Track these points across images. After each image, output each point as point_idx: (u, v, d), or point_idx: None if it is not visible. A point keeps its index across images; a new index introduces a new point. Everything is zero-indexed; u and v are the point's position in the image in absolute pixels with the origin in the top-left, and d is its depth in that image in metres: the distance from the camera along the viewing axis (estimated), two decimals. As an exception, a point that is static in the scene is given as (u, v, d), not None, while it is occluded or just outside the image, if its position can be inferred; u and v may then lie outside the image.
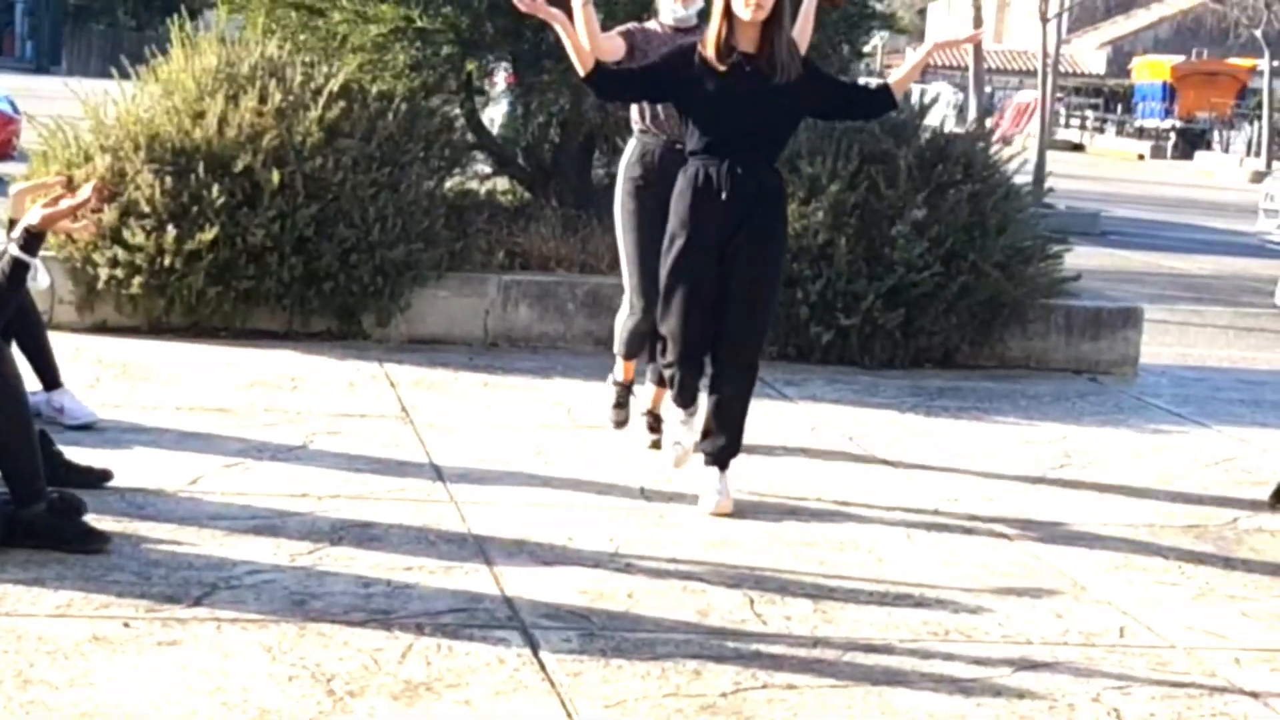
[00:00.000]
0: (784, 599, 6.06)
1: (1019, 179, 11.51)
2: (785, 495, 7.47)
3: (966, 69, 59.50)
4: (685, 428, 7.29)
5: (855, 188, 10.46)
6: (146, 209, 9.74)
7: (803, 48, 7.17)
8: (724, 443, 7.14)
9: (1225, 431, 9.43)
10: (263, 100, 9.96)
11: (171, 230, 9.66)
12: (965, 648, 5.69)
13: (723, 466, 7.13)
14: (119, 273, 9.77)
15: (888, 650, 5.61)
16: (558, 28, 6.90)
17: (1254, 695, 5.42)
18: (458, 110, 11.15)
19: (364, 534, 6.46)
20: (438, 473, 7.45)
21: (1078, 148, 54.61)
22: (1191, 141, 52.17)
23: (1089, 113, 58.30)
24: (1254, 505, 7.85)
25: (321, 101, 9.98)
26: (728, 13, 6.87)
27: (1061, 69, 66.85)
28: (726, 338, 7.09)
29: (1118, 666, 5.60)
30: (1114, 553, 6.93)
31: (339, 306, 10.10)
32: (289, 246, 9.87)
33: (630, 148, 7.93)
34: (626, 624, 5.70)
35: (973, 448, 8.64)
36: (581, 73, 6.96)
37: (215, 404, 8.41)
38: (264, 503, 6.77)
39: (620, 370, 8.19)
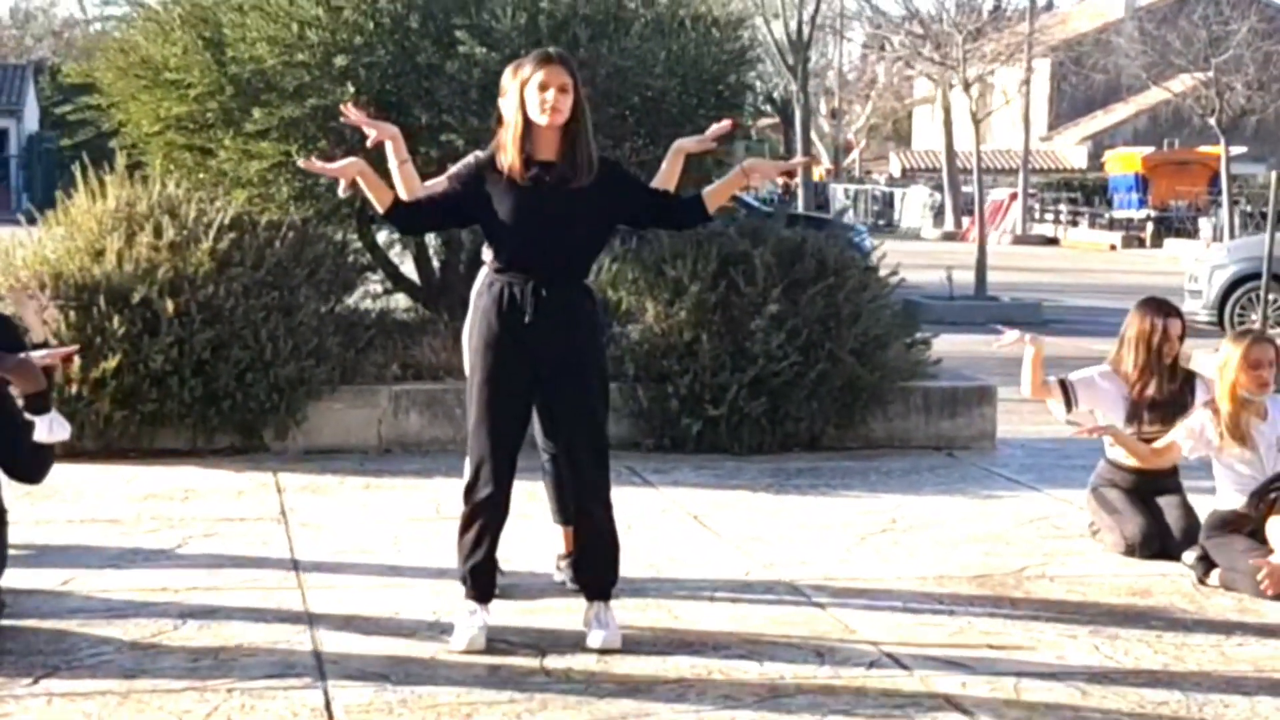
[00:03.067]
0: (576, 655, 6.77)
1: (963, 274, 12.22)
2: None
3: (942, 170, 60.73)
4: (474, 619, 6.89)
5: (716, 287, 11.26)
6: (54, 342, 10.51)
7: (670, 188, 7.21)
8: (602, 575, 6.99)
9: (1053, 494, 10.15)
10: (158, 235, 10.79)
11: (77, 360, 10.45)
12: (721, 686, 6.40)
13: (605, 598, 6.96)
14: (30, 402, 10.54)
15: (649, 690, 6.32)
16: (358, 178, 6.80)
17: (963, 712, 6.14)
18: (353, 235, 11.95)
19: (208, 619, 7.18)
20: (295, 565, 8.18)
21: (1052, 241, 55.51)
22: (1166, 230, 52.97)
23: (1063, 207, 59.17)
24: (1047, 556, 8.58)
25: (212, 234, 10.81)
26: (525, 120, 6.65)
27: (1043, 165, 68.15)
28: (570, 474, 6.97)
29: (853, 693, 6.31)
30: (895, 601, 7.63)
31: (239, 423, 10.88)
32: (188, 370, 10.66)
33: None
34: (422, 679, 6.42)
35: (810, 519, 9.37)
36: (380, 210, 6.83)
37: (107, 516, 9.17)
38: (124, 597, 7.49)
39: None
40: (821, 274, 11.51)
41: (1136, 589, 7.96)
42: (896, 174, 74.17)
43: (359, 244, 12.10)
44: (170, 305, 10.57)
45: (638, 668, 6.62)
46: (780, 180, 53.38)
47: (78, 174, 11.25)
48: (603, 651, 6.77)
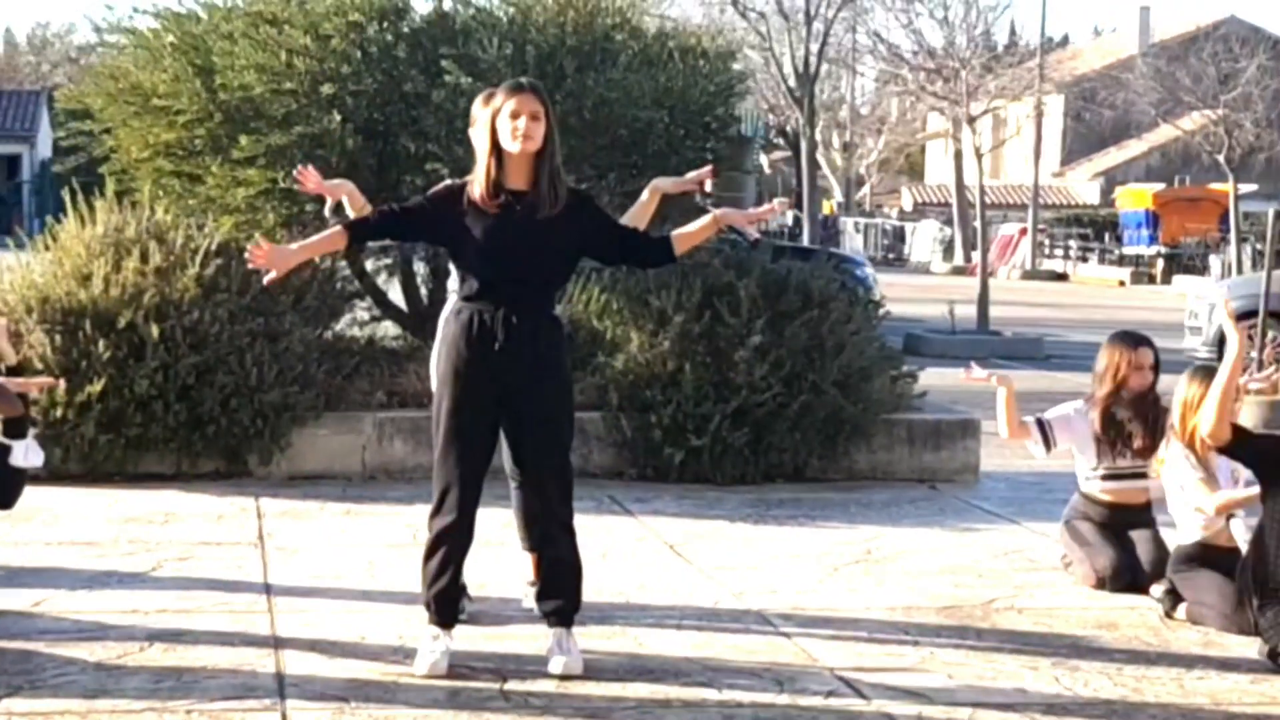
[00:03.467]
0: (536, 680, 6.81)
1: (966, 308, 12.24)
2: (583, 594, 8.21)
3: (952, 204, 60.79)
4: (437, 644, 6.91)
5: (700, 318, 11.31)
6: (40, 366, 10.60)
7: (641, 225, 7.37)
8: (564, 602, 6.99)
9: (1031, 527, 10.18)
10: (144, 260, 10.86)
11: (62, 384, 10.52)
12: (679, 711, 6.44)
13: (568, 625, 6.98)
14: (16, 425, 10.61)
15: (606, 715, 6.37)
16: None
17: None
18: (342, 262, 12.01)
19: (175, 640, 7.22)
20: (268, 589, 8.23)
21: (1061, 277, 55.57)
22: (1176, 266, 53.02)
23: (1073, 242, 59.22)
24: (1017, 588, 8.61)
25: (199, 260, 10.88)
26: (495, 147, 6.69)
27: (1054, 200, 68.24)
28: (535, 501, 7.02)
29: (806, 721, 6.37)
30: (861, 631, 7.67)
31: (223, 448, 10.94)
32: (173, 394, 10.72)
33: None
34: (381, 701, 6.46)
35: (784, 549, 9.41)
36: (351, 216, 7.16)
37: (84, 539, 9.22)
38: (94, 618, 7.54)
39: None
40: (806, 306, 11.56)
41: (1104, 622, 7.99)
42: (908, 208, 74.25)
43: (347, 271, 12.15)
44: (155, 330, 10.64)
45: (597, 692, 6.66)
46: (790, 213, 53.48)
47: (67, 199, 11.31)
48: (563, 677, 6.80)
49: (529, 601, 7.72)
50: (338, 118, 10.87)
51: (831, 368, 11.38)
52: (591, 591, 8.19)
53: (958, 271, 54.60)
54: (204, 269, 10.90)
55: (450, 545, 6.94)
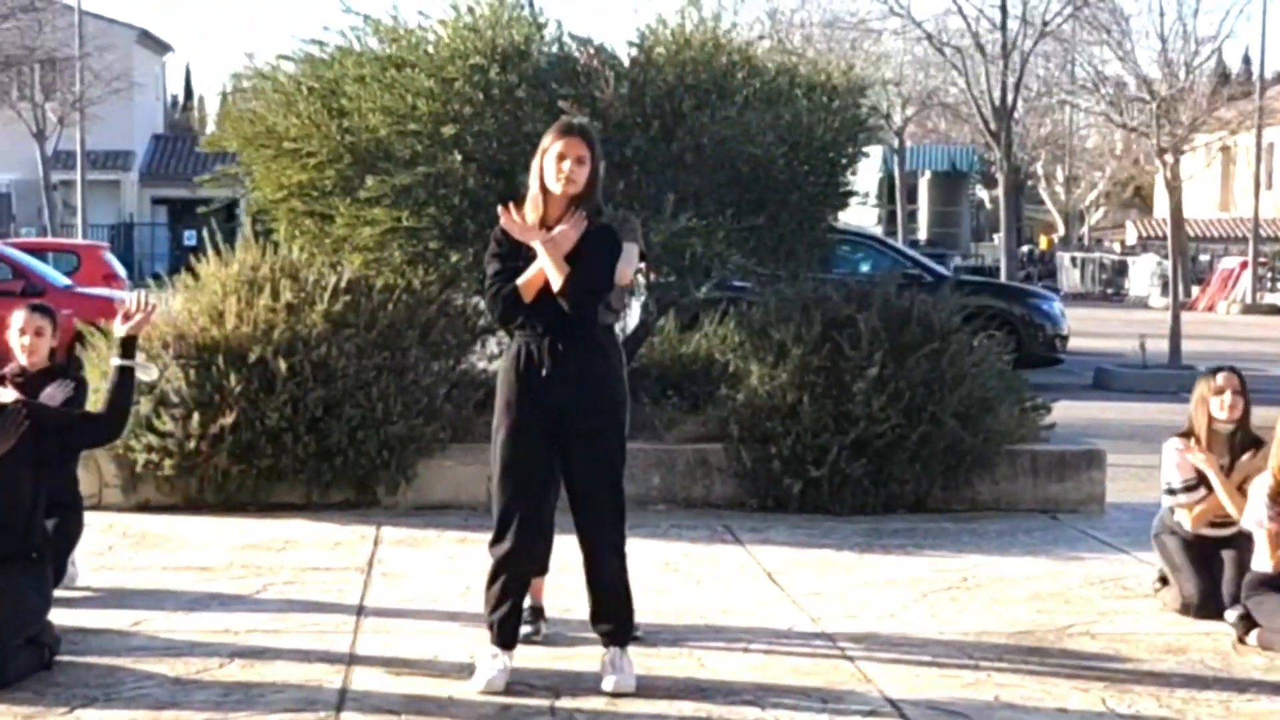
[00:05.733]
0: (589, 698, 7.00)
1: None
2: (665, 617, 8.40)
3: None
4: (496, 662, 7.13)
5: (820, 350, 11.45)
6: (175, 399, 11.05)
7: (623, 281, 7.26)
8: (618, 625, 7.18)
9: (1140, 556, 10.11)
10: (275, 297, 11.27)
11: (196, 416, 10.96)
12: (716, 728, 6.63)
13: (621, 644, 7.17)
14: (154, 457, 11.07)
15: (649, 733, 6.58)
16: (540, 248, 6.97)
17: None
18: (475, 298, 12.32)
19: (255, 657, 7.54)
20: (360, 610, 8.53)
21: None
22: None
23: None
24: (1100, 615, 8.63)
25: (327, 296, 11.27)
26: (544, 188, 6.98)
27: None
28: (587, 527, 7.13)
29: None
30: (926, 655, 7.75)
31: (352, 478, 11.30)
32: (302, 426, 11.10)
33: None
34: (431, 715, 6.72)
35: (880, 576, 9.51)
36: (557, 283, 6.90)
37: (199, 564, 9.60)
38: (185, 637, 7.88)
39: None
40: (928, 338, 11.65)
41: (1174, 647, 7.99)
42: (1131, 241, 73.23)
43: (481, 306, 12.45)
44: (285, 365, 11.02)
45: (643, 709, 6.85)
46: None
47: (206, 238, 11.78)
48: (614, 695, 7.00)
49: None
50: (459, 157, 11.18)
51: (951, 399, 11.46)
52: (672, 614, 8.47)
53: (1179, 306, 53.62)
54: (332, 305, 11.28)
55: (510, 573, 7.18)
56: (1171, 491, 8.86)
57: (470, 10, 11.73)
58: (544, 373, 6.97)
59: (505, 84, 11.31)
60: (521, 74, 11.39)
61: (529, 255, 6.96)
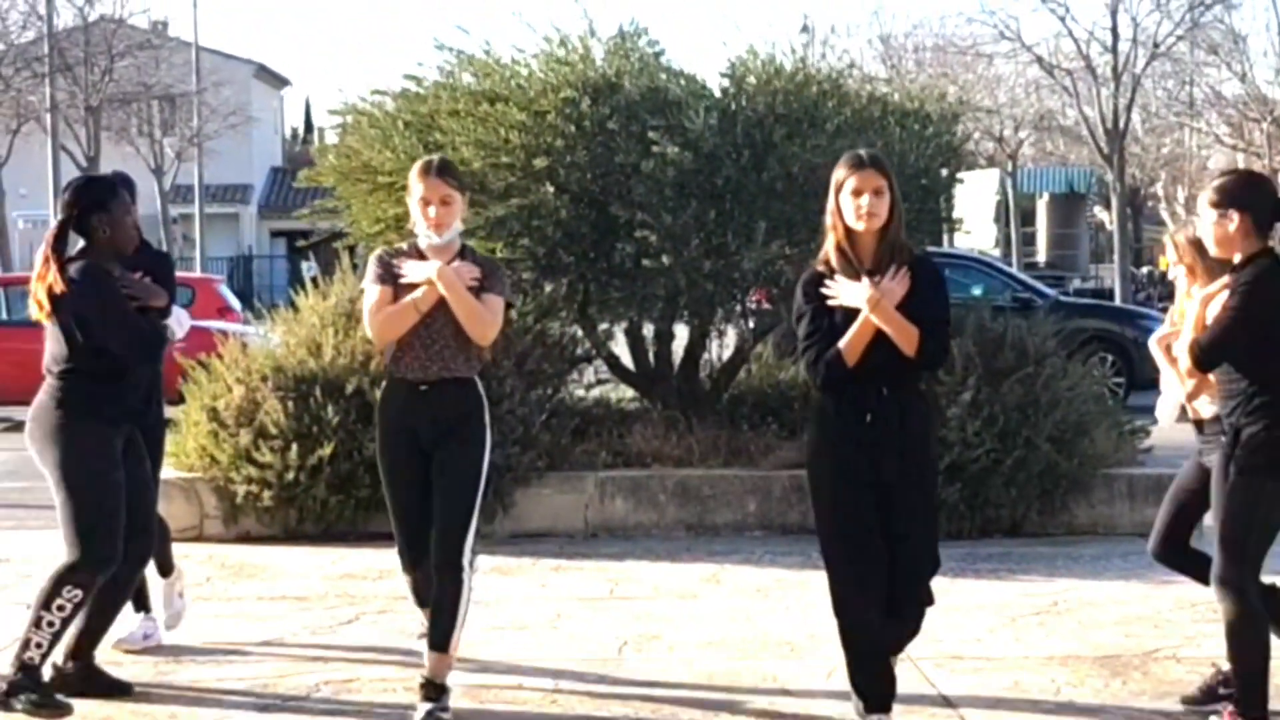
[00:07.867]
0: (675, 710, 7.12)
1: None
2: (750, 638, 8.47)
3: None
4: None
5: (913, 376, 11.46)
6: (274, 431, 11.22)
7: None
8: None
9: (1235, 579, 10.06)
10: (372, 330, 11.41)
11: (295, 448, 11.13)
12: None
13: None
14: (253, 488, 11.25)
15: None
16: None
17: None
18: (572, 327, 12.44)
19: (339, 688, 7.68)
20: (447, 637, 8.62)
21: None
22: None
23: None
24: (1188, 639, 8.59)
25: (423, 328, 11.39)
26: (844, 226, 6.62)
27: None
28: (904, 563, 6.77)
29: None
30: (1006, 677, 7.78)
31: (449, 508, 11.40)
32: (400, 456, 11.21)
33: None
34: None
35: (970, 600, 9.50)
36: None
37: (295, 593, 9.76)
38: (273, 666, 8.04)
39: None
40: (1021, 363, 11.63)
41: (1259, 670, 7.93)
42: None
43: (580, 334, 12.57)
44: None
45: (719, 736, 6.91)
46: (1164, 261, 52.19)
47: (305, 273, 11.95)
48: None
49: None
50: (551, 189, 11.29)
51: (1045, 424, 11.43)
52: (756, 644, 8.50)
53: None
54: (428, 336, 11.40)
55: (861, 637, 6.87)
56: None
57: (562, 44, 11.84)
58: (868, 419, 6.58)
59: (596, 116, 11.41)
60: (613, 106, 11.48)
61: (842, 311, 6.54)
